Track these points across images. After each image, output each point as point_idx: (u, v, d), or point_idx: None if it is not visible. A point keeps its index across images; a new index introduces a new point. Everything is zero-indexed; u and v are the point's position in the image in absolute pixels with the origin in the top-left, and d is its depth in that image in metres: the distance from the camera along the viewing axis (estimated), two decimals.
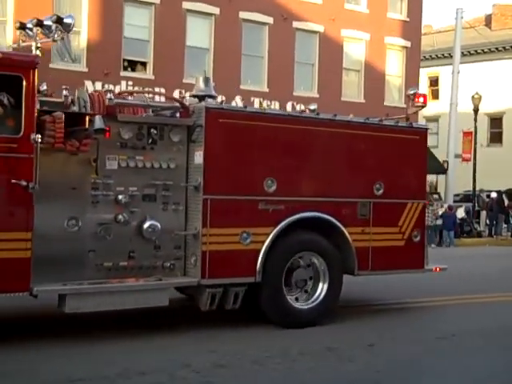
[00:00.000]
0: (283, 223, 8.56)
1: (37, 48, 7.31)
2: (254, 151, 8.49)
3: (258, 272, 8.42)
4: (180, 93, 8.68)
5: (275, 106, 28.05)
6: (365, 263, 9.21)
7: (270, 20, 29.02)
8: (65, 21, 7.25)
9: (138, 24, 27.10)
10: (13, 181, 7.10)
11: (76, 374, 6.44)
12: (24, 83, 7.18)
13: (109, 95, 7.84)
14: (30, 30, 7.41)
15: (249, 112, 8.56)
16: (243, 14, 28.41)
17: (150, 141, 8.08)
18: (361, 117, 9.62)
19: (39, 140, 7.17)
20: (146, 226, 8.03)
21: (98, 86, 23.45)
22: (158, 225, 8.08)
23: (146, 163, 8.05)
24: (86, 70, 24.85)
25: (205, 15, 27.86)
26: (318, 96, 29.59)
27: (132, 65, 26.78)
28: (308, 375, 6.83)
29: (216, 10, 27.91)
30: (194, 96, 8.62)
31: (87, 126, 7.65)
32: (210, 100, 8.46)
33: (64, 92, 8.27)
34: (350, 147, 9.18)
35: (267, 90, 28.72)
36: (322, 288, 9.00)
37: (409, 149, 9.65)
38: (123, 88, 24.67)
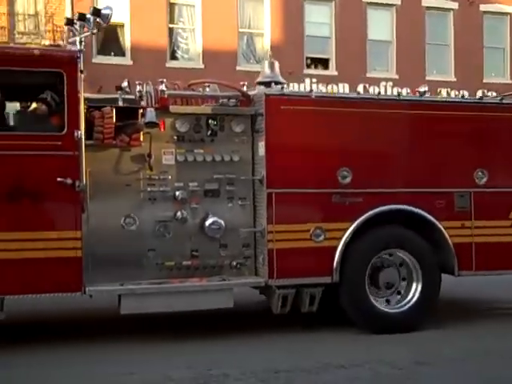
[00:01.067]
0: (363, 217, 7.70)
1: (80, 42, 7.14)
2: (322, 139, 7.69)
3: (335, 271, 7.66)
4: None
5: (463, 95, 26.42)
6: (467, 262, 8.05)
7: (454, 5, 27.50)
8: (102, 12, 7.02)
9: (319, 21, 27.01)
10: (58, 179, 6.98)
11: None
12: (65, 79, 7.02)
13: (161, 86, 7.50)
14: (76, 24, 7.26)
15: (314, 97, 7.77)
16: (426, 2, 27.21)
17: (210, 132, 7.63)
18: None
19: (82, 137, 7.00)
20: (208, 222, 7.58)
21: None
22: (222, 222, 7.58)
23: (207, 156, 7.60)
24: None
25: (386, 6, 27.10)
26: (511, 82, 27.51)
27: (315, 62, 26.60)
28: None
29: (397, 0, 26.94)
30: (260, 83, 8.04)
31: (139, 119, 7.41)
32: (275, 86, 7.84)
33: (138, 87, 8.09)
34: (442, 131, 8.05)
35: (455, 79, 27.18)
36: (416, 289, 7.99)
37: None
38: (307, 86, 24.43)
